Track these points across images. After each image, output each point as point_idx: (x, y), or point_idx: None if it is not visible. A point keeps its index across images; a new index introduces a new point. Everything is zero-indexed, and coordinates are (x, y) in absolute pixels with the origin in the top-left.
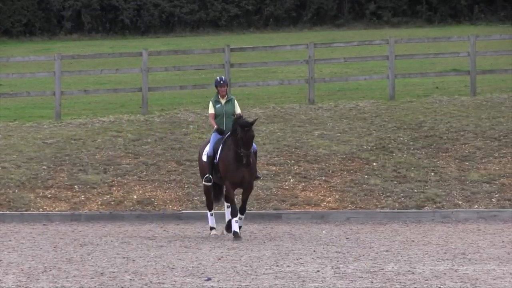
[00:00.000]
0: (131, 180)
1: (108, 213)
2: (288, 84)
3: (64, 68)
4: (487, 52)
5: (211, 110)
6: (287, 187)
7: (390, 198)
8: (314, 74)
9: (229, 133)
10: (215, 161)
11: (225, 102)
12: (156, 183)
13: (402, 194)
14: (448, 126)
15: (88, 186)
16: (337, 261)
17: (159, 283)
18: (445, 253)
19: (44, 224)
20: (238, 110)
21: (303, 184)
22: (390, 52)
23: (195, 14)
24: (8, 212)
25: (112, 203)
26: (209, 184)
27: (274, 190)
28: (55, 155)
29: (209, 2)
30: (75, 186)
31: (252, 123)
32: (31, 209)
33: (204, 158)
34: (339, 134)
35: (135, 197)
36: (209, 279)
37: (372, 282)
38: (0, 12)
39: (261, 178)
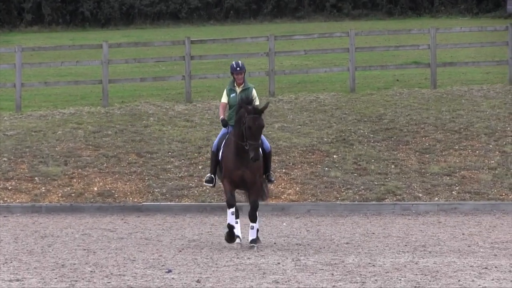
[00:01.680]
0: (91, 172)
1: (68, 205)
2: (249, 77)
3: (24, 60)
4: (447, 45)
5: (223, 99)
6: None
7: (351, 191)
8: (275, 67)
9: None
10: (219, 157)
11: (241, 91)
12: (117, 175)
13: (362, 187)
14: (409, 118)
15: (49, 178)
16: (298, 254)
17: (120, 275)
18: (406, 245)
19: (4, 216)
20: (256, 102)
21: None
22: (350, 44)
23: (155, 6)
24: None
25: (73, 195)
26: (210, 185)
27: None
28: (15, 147)
29: None
30: (36, 178)
31: (263, 109)
32: None
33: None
34: (299, 127)
35: (95, 189)
36: (169, 271)
37: (332, 275)
38: None
39: (274, 181)
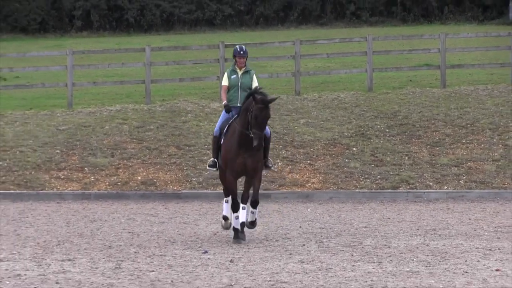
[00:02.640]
0: (135, 163)
1: (115, 193)
2: (277, 77)
3: (75, 62)
4: (455, 48)
5: (224, 82)
6: (275, 170)
7: (368, 180)
8: (300, 68)
9: (237, 113)
10: (220, 142)
11: (242, 73)
12: (158, 166)
13: (379, 176)
14: (421, 115)
15: (97, 168)
16: (321, 236)
17: (161, 255)
18: (418, 229)
19: (58, 202)
20: (255, 84)
21: (290, 167)
22: (368, 48)
23: (193, 13)
24: (25, 191)
25: (119, 183)
26: (213, 169)
27: (264, 172)
28: (67, 140)
29: (205, 2)
30: (86, 168)
31: (271, 101)
32: (46, 188)
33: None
34: (322, 122)
35: (139, 178)
36: (206, 251)
37: (352, 255)
38: (17, 12)
39: (275, 169)
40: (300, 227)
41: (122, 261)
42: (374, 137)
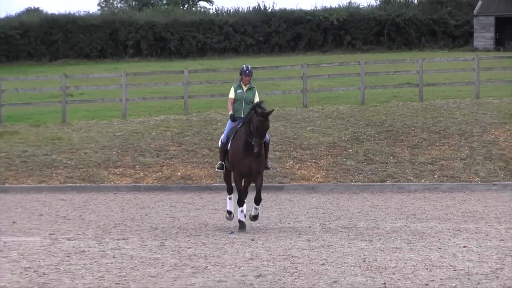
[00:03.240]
0: (176, 162)
1: (160, 186)
2: (288, 93)
3: (128, 82)
4: (431, 70)
5: (231, 95)
6: (287, 167)
7: (361, 175)
8: (307, 86)
9: (241, 123)
10: (227, 148)
11: (247, 89)
12: (194, 164)
13: (369, 172)
14: (403, 123)
15: (146, 166)
16: (324, 220)
17: (197, 235)
18: (401, 214)
19: (114, 193)
20: (257, 99)
21: (299, 164)
22: (361, 70)
23: (222, 43)
24: (88, 185)
25: (163, 178)
26: (221, 170)
27: (278, 169)
28: (122, 143)
29: (231, 34)
30: (136, 166)
31: (268, 113)
32: (105, 182)
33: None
34: (324, 129)
35: (179, 174)
36: (232, 232)
37: (348, 235)
38: (82, 42)
39: (271, 169)
40: (307, 212)
41: (165, 239)
42: (366, 141)
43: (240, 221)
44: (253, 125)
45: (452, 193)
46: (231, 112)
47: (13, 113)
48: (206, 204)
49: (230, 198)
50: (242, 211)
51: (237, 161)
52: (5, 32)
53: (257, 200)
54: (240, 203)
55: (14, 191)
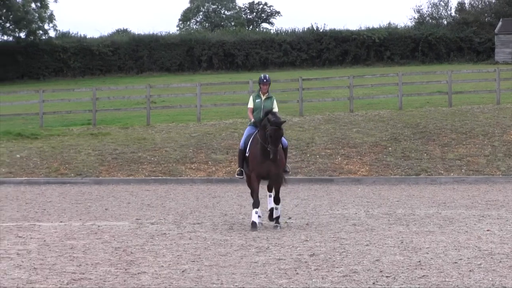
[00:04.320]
0: None
1: (229, 179)
2: (337, 100)
3: (202, 91)
4: (458, 80)
5: (250, 105)
6: (336, 162)
7: (399, 169)
8: (353, 94)
9: (257, 130)
10: (246, 154)
11: (265, 99)
12: None
13: (406, 167)
14: (435, 125)
15: (217, 162)
16: (367, 207)
17: (260, 221)
18: (433, 202)
19: (190, 185)
20: (275, 109)
21: (346, 160)
22: (399, 80)
23: (281, 58)
24: (169, 178)
25: (231, 172)
26: (240, 177)
27: (329, 164)
28: (197, 143)
29: (289, 50)
30: (209, 162)
31: (281, 123)
32: (182, 175)
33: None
34: (368, 130)
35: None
36: (290, 218)
37: (388, 220)
38: (163, 57)
39: (289, 172)
40: (353, 201)
41: (233, 224)
42: (403, 140)
43: (253, 222)
44: (267, 133)
45: (477, 185)
46: (252, 120)
47: (105, 117)
48: (267, 194)
49: (256, 212)
50: (256, 212)
51: (256, 164)
52: (99, 50)
53: (276, 200)
54: (256, 204)
55: (106, 183)
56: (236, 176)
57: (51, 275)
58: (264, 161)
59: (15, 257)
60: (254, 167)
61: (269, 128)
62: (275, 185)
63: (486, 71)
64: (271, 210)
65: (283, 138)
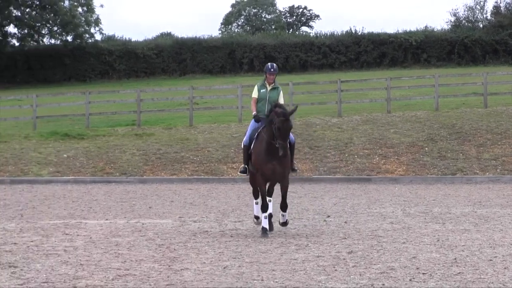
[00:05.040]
0: None
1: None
2: (375, 102)
3: (243, 93)
4: (493, 82)
5: (254, 94)
6: (374, 162)
7: (436, 169)
8: (391, 95)
9: (263, 125)
10: (251, 151)
11: (271, 89)
12: (298, 160)
13: (442, 166)
14: (470, 126)
15: None
16: (404, 206)
17: (299, 218)
18: (469, 201)
19: (232, 184)
20: (281, 100)
21: (384, 160)
22: (435, 82)
23: (320, 60)
24: (211, 177)
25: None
26: (244, 175)
27: (367, 164)
28: (238, 143)
29: (328, 53)
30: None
31: (290, 113)
32: (224, 175)
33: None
34: (405, 131)
35: None
36: (328, 216)
37: (425, 218)
38: (206, 60)
39: (297, 170)
40: (391, 200)
41: (273, 222)
42: (439, 140)
43: (263, 228)
44: (274, 126)
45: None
46: (254, 113)
47: (149, 118)
48: (307, 193)
49: (257, 203)
50: (265, 217)
51: (260, 164)
52: (144, 52)
53: (283, 207)
54: (264, 209)
55: (150, 182)
56: (239, 173)
57: (96, 271)
58: (270, 161)
59: (62, 254)
60: (258, 168)
61: (276, 121)
62: (281, 188)
63: None
64: (270, 215)
65: (290, 135)
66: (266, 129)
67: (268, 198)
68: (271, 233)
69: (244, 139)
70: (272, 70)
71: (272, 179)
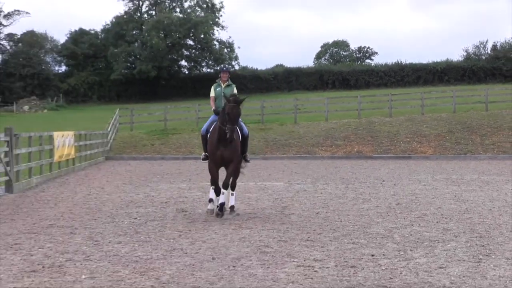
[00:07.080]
0: (354, 143)
1: (345, 156)
2: (413, 107)
3: (329, 102)
4: (492, 94)
5: (212, 93)
6: (413, 146)
7: (453, 150)
8: (424, 103)
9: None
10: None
11: (225, 86)
12: (362, 145)
13: (458, 149)
14: (476, 122)
15: (337, 146)
16: (433, 174)
17: (364, 182)
18: (475, 171)
19: (321, 160)
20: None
21: (419, 145)
22: (453, 95)
23: (378, 81)
24: (308, 155)
25: (346, 152)
26: (206, 160)
27: (408, 147)
28: (326, 134)
29: (383, 76)
30: (333, 146)
31: (241, 101)
32: (316, 154)
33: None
34: (433, 126)
35: (355, 150)
36: (384, 180)
37: (446, 182)
38: (304, 81)
39: (249, 161)
40: (424, 170)
41: (348, 184)
42: (456, 132)
43: (220, 204)
44: (225, 112)
45: (503, 161)
46: (213, 108)
47: (269, 118)
48: (369, 166)
49: (213, 188)
50: (222, 193)
51: (211, 150)
52: (265, 77)
53: (225, 184)
54: (218, 192)
55: (269, 159)
56: (201, 160)
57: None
58: (219, 147)
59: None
60: (210, 154)
61: (226, 107)
62: (227, 171)
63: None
64: (222, 204)
65: (244, 127)
66: (219, 116)
67: (222, 190)
68: (222, 217)
69: (202, 128)
70: (225, 69)
71: (221, 165)
